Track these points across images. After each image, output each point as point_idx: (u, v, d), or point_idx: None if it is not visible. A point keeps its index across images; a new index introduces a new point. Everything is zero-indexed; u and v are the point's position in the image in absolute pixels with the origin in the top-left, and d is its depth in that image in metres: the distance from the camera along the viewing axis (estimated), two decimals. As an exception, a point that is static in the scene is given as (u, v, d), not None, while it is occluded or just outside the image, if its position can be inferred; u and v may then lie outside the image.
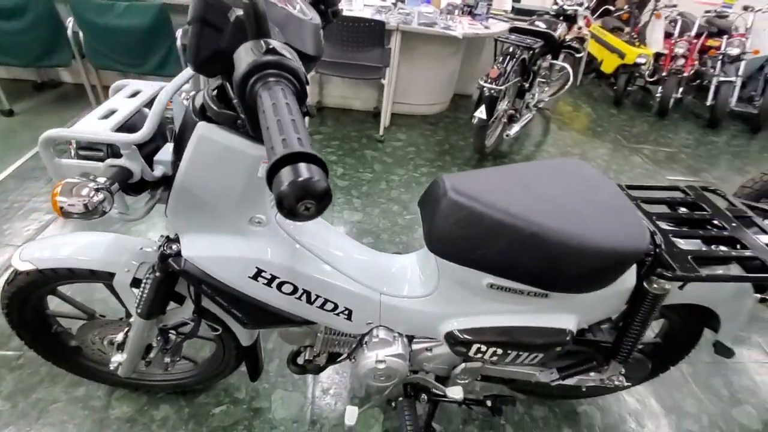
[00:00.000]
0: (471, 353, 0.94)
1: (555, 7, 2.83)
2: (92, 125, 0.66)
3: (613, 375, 1.07)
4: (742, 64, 3.49)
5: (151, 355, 1.02)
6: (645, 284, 0.84)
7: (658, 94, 3.82)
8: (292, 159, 0.33)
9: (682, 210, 0.98)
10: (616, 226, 0.76)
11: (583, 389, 1.15)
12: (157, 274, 0.83)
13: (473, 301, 0.90)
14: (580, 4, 2.83)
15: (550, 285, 0.81)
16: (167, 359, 1.04)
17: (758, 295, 0.93)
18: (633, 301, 0.89)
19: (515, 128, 2.55)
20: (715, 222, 0.92)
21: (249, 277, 0.81)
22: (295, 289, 0.84)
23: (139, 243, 0.92)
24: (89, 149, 0.69)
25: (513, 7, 3.39)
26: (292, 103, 0.38)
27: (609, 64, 3.70)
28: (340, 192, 2.33)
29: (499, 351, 0.92)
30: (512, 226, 0.75)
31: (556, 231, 0.74)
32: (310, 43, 0.58)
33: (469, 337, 0.90)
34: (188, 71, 0.75)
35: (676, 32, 3.80)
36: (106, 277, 0.89)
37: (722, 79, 3.49)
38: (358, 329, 0.95)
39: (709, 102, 3.62)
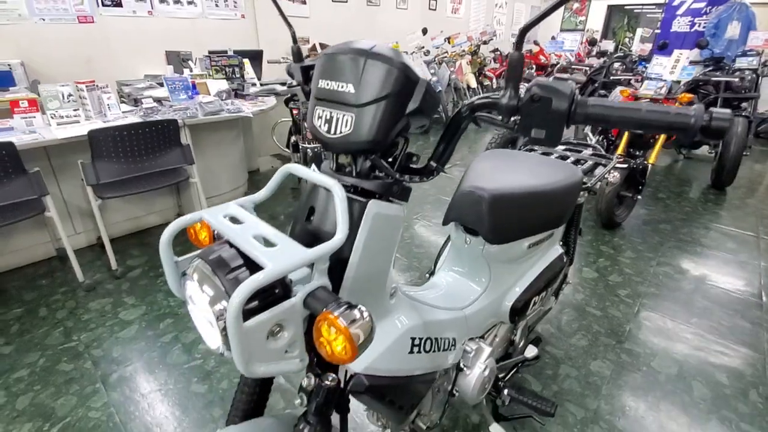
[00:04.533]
0: (528, 312, 1.15)
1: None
2: (278, 260, 0.49)
3: (567, 274, 1.50)
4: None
5: None
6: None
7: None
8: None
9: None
10: (569, 172, 1.16)
11: (556, 302, 1.53)
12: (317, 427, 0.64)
13: (517, 268, 1.12)
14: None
15: (558, 222, 1.13)
16: None
17: None
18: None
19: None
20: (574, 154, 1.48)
21: (408, 353, 0.75)
22: (431, 342, 0.83)
23: None
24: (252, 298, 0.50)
25: (260, 84, 3.71)
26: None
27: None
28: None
29: (543, 294, 1.17)
30: (537, 194, 1.02)
31: (553, 186, 1.06)
32: None
33: (526, 298, 1.12)
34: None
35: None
36: None
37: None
38: (456, 356, 0.99)
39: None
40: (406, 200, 0.68)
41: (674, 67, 2.51)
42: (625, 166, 2.50)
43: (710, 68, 3.47)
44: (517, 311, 1.10)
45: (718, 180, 3.35)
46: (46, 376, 1.61)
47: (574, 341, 1.77)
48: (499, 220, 0.97)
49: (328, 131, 0.61)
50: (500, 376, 1.26)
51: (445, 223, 1.08)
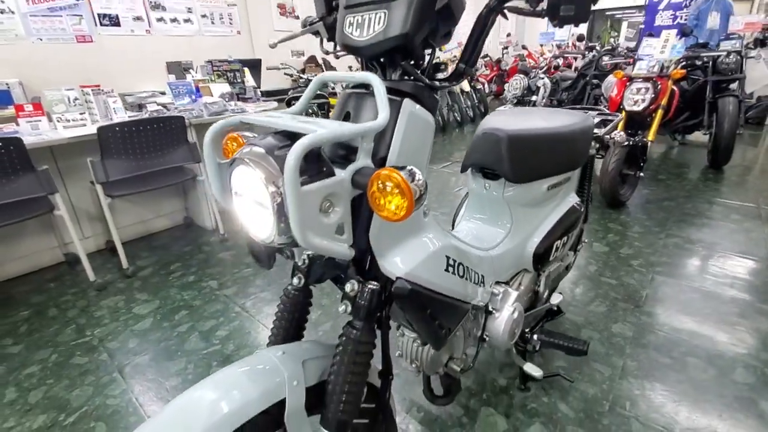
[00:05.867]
0: (551, 258, 1.15)
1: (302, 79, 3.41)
2: (328, 128, 0.51)
3: (583, 231, 1.51)
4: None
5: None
6: None
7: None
8: None
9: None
10: (581, 117, 1.19)
11: (575, 258, 1.52)
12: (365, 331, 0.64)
13: (537, 213, 1.13)
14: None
15: (574, 164, 1.15)
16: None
17: None
18: None
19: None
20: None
21: (444, 270, 0.76)
22: (464, 269, 0.84)
23: (270, 355, 0.66)
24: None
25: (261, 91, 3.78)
26: None
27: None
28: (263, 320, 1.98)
29: (564, 239, 1.18)
30: (553, 135, 1.05)
31: (567, 128, 1.09)
32: None
33: (547, 244, 1.12)
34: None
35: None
36: (273, 423, 0.60)
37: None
38: (484, 297, 0.99)
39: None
40: (434, 112, 0.70)
41: (664, 47, 2.59)
42: (626, 143, 2.54)
43: (695, 58, 3.57)
44: (540, 257, 1.11)
45: (715, 160, 3.40)
46: (59, 370, 1.57)
47: (593, 308, 1.76)
48: (518, 157, 0.99)
49: (360, 35, 0.63)
50: (526, 330, 1.26)
51: (463, 170, 1.10)
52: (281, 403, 0.61)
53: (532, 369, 1.11)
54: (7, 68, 3.69)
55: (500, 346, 1.03)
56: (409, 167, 0.51)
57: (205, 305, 1.91)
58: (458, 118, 5.80)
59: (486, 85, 6.68)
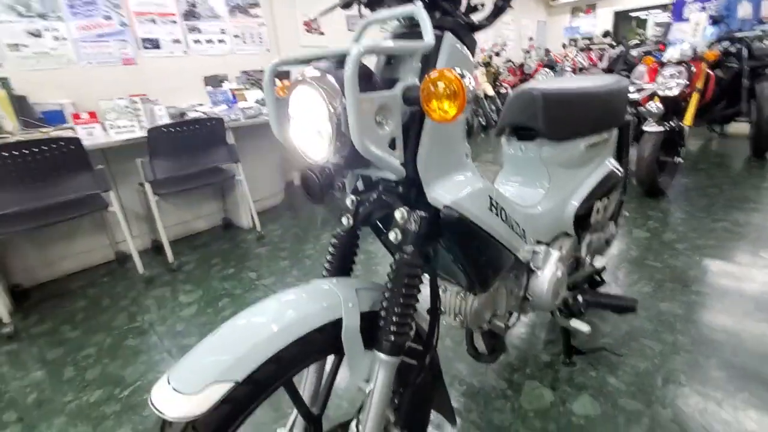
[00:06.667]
0: (592, 220, 1.14)
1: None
2: (379, 41, 0.56)
3: (623, 201, 1.47)
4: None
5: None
6: None
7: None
8: None
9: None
10: (615, 79, 1.19)
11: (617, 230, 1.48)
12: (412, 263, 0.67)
13: (575, 174, 1.12)
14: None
15: (610, 122, 1.14)
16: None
17: None
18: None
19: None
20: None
21: (487, 209, 0.77)
22: (505, 214, 0.84)
23: (325, 281, 0.69)
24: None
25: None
26: None
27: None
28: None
29: (604, 202, 1.17)
30: (587, 93, 1.05)
31: (602, 88, 1.09)
32: None
33: (587, 206, 1.11)
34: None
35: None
36: (330, 344, 0.63)
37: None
38: (527, 253, 0.98)
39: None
40: (473, 52, 0.73)
41: (695, 30, 2.54)
42: (661, 129, 2.48)
43: (727, 40, 3.45)
44: (580, 219, 1.10)
45: (758, 147, 3.25)
46: (114, 351, 1.66)
47: (638, 288, 1.70)
48: (553, 114, 1.00)
49: None
50: (568, 298, 1.23)
51: (498, 134, 1.12)
52: (337, 326, 0.63)
53: (579, 324, 1.09)
54: (61, 90, 3.99)
55: (543, 306, 1.02)
56: (458, 69, 0.54)
57: (245, 293, 1.98)
58: (483, 123, 5.80)
59: (510, 91, 6.67)
